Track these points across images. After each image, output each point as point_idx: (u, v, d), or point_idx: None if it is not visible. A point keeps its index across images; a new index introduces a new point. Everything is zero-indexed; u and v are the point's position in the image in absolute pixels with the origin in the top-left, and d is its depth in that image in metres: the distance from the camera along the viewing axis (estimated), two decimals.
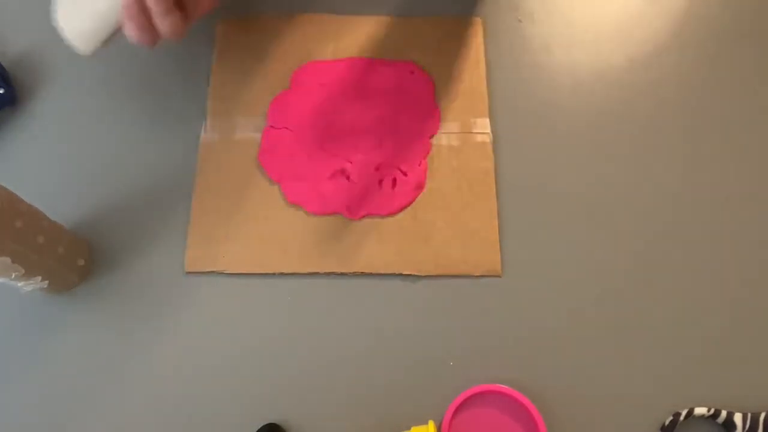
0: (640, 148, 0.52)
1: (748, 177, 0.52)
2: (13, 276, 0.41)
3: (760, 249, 0.49)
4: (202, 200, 0.50)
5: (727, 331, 0.47)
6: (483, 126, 0.53)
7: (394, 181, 0.51)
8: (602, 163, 0.52)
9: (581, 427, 0.45)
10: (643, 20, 0.57)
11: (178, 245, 0.49)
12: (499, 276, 0.48)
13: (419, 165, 0.51)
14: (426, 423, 0.43)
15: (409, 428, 0.43)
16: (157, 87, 0.55)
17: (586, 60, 0.56)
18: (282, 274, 0.48)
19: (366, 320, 0.47)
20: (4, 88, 0.52)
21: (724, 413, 0.44)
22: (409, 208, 0.50)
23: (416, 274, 0.48)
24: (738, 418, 0.44)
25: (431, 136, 0.52)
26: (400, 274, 0.48)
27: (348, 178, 0.51)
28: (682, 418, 0.44)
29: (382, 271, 0.48)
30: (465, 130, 0.53)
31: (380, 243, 0.49)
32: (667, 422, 0.44)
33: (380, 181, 0.51)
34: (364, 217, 0.50)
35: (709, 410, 0.44)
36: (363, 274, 0.48)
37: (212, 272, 0.48)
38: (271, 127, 0.53)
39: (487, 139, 0.52)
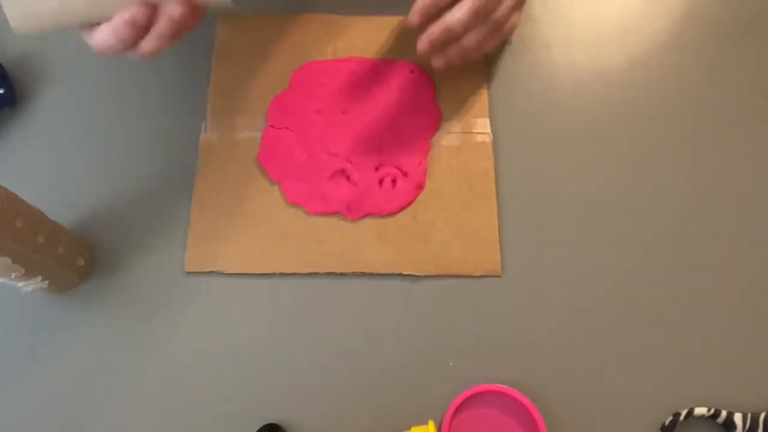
0: (640, 148, 0.52)
1: (748, 177, 0.52)
2: (13, 276, 0.41)
3: (761, 249, 0.49)
4: (202, 200, 0.50)
5: (727, 331, 0.47)
6: (483, 126, 0.53)
7: (394, 181, 0.51)
8: (602, 163, 0.52)
9: (581, 427, 0.45)
10: (643, 20, 0.57)
11: (178, 245, 0.49)
12: (499, 276, 0.48)
13: (419, 165, 0.51)
14: (426, 423, 0.43)
15: (409, 428, 0.43)
16: (157, 87, 0.55)
17: (586, 60, 0.56)
18: (282, 274, 0.48)
19: (366, 320, 0.47)
20: (4, 88, 0.52)
21: (724, 413, 0.44)
22: (409, 208, 0.50)
23: (416, 274, 0.48)
24: (738, 418, 0.44)
25: (431, 136, 0.52)
26: (400, 274, 0.48)
27: (348, 178, 0.51)
28: (682, 418, 0.44)
29: (382, 271, 0.48)
30: (465, 130, 0.53)
31: (380, 243, 0.49)
32: (667, 422, 0.44)
33: (380, 181, 0.51)
34: (364, 217, 0.50)
35: (709, 410, 0.44)
36: (363, 274, 0.48)
37: (212, 272, 0.48)
38: (271, 127, 0.53)
39: (487, 139, 0.52)
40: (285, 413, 0.45)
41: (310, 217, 0.50)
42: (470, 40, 0.47)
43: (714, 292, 0.48)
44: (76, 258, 0.47)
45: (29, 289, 0.44)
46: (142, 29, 0.39)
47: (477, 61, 0.53)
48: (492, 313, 0.47)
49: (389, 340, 0.47)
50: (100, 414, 0.45)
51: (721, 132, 0.53)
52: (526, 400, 0.44)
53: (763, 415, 0.44)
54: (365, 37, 0.56)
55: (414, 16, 0.46)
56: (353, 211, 0.50)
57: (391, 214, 0.50)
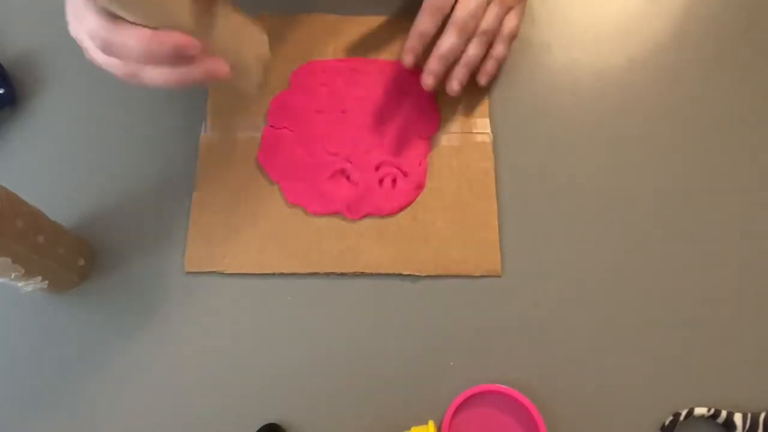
0: (639, 148, 0.52)
1: (748, 177, 0.52)
2: (13, 276, 0.41)
3: (760, 248, 0.49)
4: (202, 200, 0.50)
5: (727, 331, 0.47)
6: (483, 126, 0.53)
7: (394, 181, 0.51)
8: (602, 162, 0.52)
9: (581, 427, 0.45)
10: (643, 20, 0.57)
11: (178, 245, 0.49)
12: (499, 276, 0.48)
13: (419, 165, 0.51)
14: (426, 423, 0.43)
15: (409, 428, 0.43)
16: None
17: (586, 60, 0.56)
18: (282, 274, 0.48)
19: (366, 320, 0.47)
20: (4, 88, 0.52)
21: (724, 413, 0.44)
22: (409, 208, 0.50)
23: (416, 274, 0.48)
24: (738, 418, 0.44)
25: (431, 136, 0.53)
26: (400, 274, 0.48)
27: (348, 178, 0.51)
28: (682, 418, 0.44)
29: (382, 271, 0.48)
30: (465, 130, 0.53)
31: (380, 243, 0.49)
32: (667, 422, 0.44)
33: (380, 181, 0.51)
34: (364, 217, 0.50)
35: (709, 410, 0.44)
36: (363, 274, 0.48)
37: (212, 272, 0.48)
38: (271, 127, 0.53)
39: (487, 139, 0.52)
40: (285, 413, 0.45)
41: (310, 217, 0.50)
42: (471, 54, 0.49)
43: (714, 292, 0.48)
44: (76, 258, 0.47)
45: (29, 289, 0.44)
46: (174, 59, 0.36)
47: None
48: (492, 313, 0.47)
49: (389, 340, 0.47)
50: (100, 414, 0.45)
51: (721, 132, 0.53)
52: (526, 400, 0.44)
53: (763, 415, 0.44)
54: (365, 37, 0.56)
55: (407, 57, 0.49)
56: (353, 211, 0.50)
57: (391, 214, 0.50)
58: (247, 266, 0.49)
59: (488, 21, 0.48)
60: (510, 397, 0.44)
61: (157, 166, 0.52)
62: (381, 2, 0.57)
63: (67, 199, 0.50)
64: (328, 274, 0.48)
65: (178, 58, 0.35)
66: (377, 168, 0.51)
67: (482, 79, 0.52)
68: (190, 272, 0.48)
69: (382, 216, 0.50)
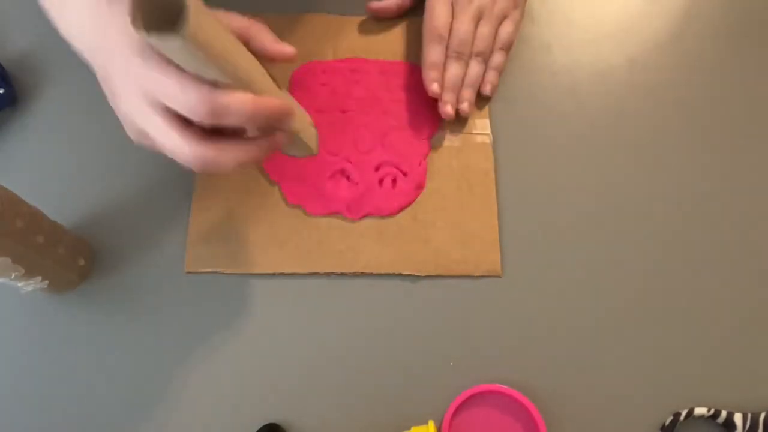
0: (640, 148, 0.52)
1: (748, 177, 0.52)
2: (13, 276, 0.41)
3: (760, 248, 0.49)
4: (202, 200, 0.50)
5: (727, 331, 0.47)
6: (483, 126, 0.53)
7: (394, 181, 0.51)
8: (602, 163, 0.52)
9: (581, 427, 0.45)
10: (643, 20, 0.57)
11: (178, 245, 0.49)
12: (499, 276, 0.48)
13: (419, 165, 0.51)
14: (426, 423, 0.43)
15: (409, 428, 0.43)
16: None
17: (586, 60, 0.56)
18: (282, 274, 0.48)
19: (366, 320, 0.47)
20: (4, 88, 0.52)
21: (724, 413, 0.44)
22: (409, 208, 0.50)
23: (416, 274, 0.48)
24: (738, 418, 0.44)
25: (431, 136, 0.53)
26: (400, 274, 0.48)
27: (348, 178, 0.51)
28: (682, 418, 0.44)
29: (382, 271, 0.48)
30: (465, 131, 0.53)
31: (380, 243, 0.49)
32: (667, 422, 0.44)
33: (380, 181, 0.51)
34: (364, 217, 0.50)
35: (709, 410, 0.44)
36: (363, 274, 0.48)
37: (212, 272, 0.48)
38: None
39: (487, 139, 0.52)
40: (285, 413, 0.45)
41: (310, 217, 0.50)
42: (473, 75, 0.52)
43: (714, 292, 0.48)
44: (76, 258, 0.47)
45: (29, 289, 0.44)
46: (257, 124, 0.33)
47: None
48: (492, 313, 0.47)
49: (389, 340, 0.47)
50: (100, 413, 0.45)
51: (722, 132, 0.53)
52: (526, 400, 0.44)
53: (763, 415, 0.44)
54: (365, 37, 0.56)
55: (432, 87, 0.51)
56: (353, 211, 0.50)
57: (391, 214, 0.50)
58: (247, 266, 0.49)
59: (481, 41, 0.51)
60: (510, 397, 0.44)
61: (157, 165, 0.52)
62: None
63: (67, 199, 0.50)
64: (328, 274, 0.48)
65: (277, 123, 0.33)
66: (377, 168, 0.51)
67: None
68: (190, 272, 0.48)
69: (382, 216, 0.50)
